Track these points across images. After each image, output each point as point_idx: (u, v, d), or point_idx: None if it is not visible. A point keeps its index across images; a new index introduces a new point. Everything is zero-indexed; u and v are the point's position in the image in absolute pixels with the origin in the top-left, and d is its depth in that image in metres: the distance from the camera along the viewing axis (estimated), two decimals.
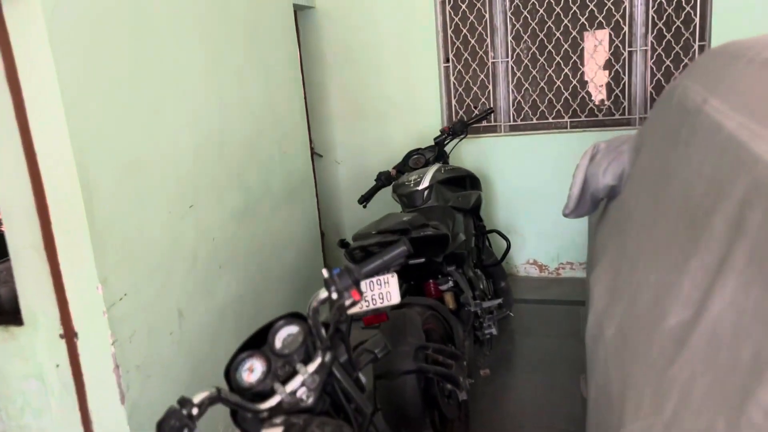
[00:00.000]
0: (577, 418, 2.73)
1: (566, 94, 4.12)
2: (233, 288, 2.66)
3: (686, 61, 3.87)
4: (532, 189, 4.27)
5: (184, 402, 1.20)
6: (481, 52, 4.21)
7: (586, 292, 1.81)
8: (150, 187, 2.12)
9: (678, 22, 3.83)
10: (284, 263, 3.19)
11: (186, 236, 2.33)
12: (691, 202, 1.18)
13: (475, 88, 4.28)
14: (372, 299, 2.19)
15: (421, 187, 2.97)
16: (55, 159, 1.80)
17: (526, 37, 4.10)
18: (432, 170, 3.07)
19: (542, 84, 4.15)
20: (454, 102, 4.34)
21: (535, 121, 4.22)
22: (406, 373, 2.13)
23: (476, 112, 4.28)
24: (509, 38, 4.13)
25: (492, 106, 4.25)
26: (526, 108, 4.22)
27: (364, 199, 3.29)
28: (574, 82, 4.09)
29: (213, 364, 2.46)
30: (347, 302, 1.40)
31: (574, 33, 4.01)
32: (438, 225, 2.62)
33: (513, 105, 4.24)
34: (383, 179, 3.30)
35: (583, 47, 4.02)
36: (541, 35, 4.07)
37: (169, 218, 2.23)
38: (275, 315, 1.58)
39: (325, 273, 1.40)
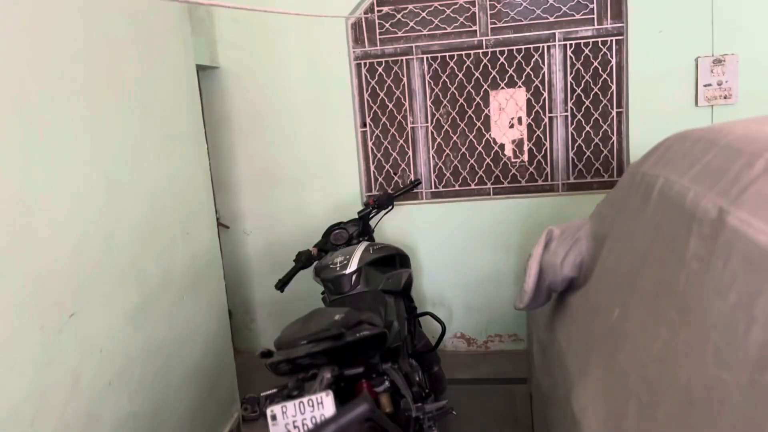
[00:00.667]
0: None
1: (488, 159, 3.97)
2: (124, 406, 2.19)
3: (605, 126, 3.83)
4: (457, 259, 4.04)
5: None
6: (399, 117, 4.00)
7: (566, 416, 1.53)
8: (13, 299, 1.67)
9: (596, 89, 3.79)
10: (189, 362, 2.73)
11: (65, 354, 1.87)
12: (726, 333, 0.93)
13: (394, 154, 4.05)
14: (303, 424, 1.82)
15: (348, 271, 2.64)
16: None
17: (445, 101, 3.94)
18: (359, 251, 2.76)
19: (463, 149, 3.98)
20: (372, 168, 4.08)
21: (457, 187, 4.03)
22: None
23: (402, 184, 4.04)
24: (428, 102, 3.95)
25: (415, 175, 4.03)
26: (448, 174, 4.02)
27: (283, 284, 2.91)
28: (495, 147, 3.95)
29: None
30: None
31: (495, 99, 3.88)
32: (372, 318, 2.30)
33: (434, 171, 4.04)
34: (303, 260, 2.95)
35: (503, 111, 3.90)
36: (461, 99, 3.92)
37: (41, 335, 1.77)
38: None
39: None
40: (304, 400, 1.83)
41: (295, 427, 1.82)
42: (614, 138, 3.84)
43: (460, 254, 4.03)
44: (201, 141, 3.07)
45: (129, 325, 2.25)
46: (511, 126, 3.91)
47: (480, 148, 3.96)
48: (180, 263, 2.72)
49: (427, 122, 3.98)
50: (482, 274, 4.04)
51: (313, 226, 4.10)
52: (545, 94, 3.84)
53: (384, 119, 4.01)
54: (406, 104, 3.97)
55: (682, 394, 1.00)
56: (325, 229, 3.21)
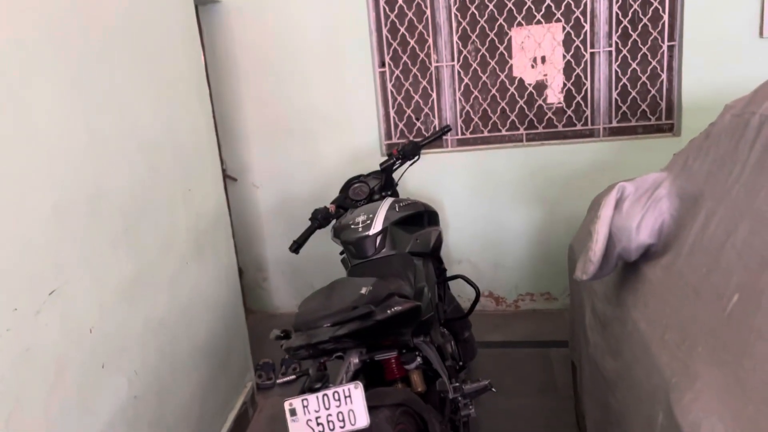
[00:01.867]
0: None
1: (521, 102, 3.58)
2: (123, 392, 1.92)
3: (654, 63, 3.41)
4: (486, 213, 3.70)
5: None
6: (422, 55, 3.60)
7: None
8: None
9: (645, 20, 3.36)
10: (196, 336, 2.46)
11: (46, 339, 1.58)
12: None
13: (416, 97, 3.67)
14: (329, 422, 1.53)
15: (372, 232, 2.32)
16: None
17: (474, 36, 3.53)
18: (384, 208, 2.43)
19: (493, 91, 3.59)
20: (392, 113, 3.71)
21: (486, 133, 3.66)
22: None
23: (425, 131, 3.68)
24: (455, 38, 3.54)
25: (440, 121, 3.65)
26: (476, 119, 3.65)
27: (298, 246, 2.58)
28: (530, 88, 3.55)
29: None
30: None
31: (528, 32, 3.47)
32: (403, 288, 1.99)
33: (461, 116, 3.66)
34: (320, 219, 2.61)
35: (539, 46, 3.48)
36: (491, 34, 3.50)
37: (14, 318, 1.47)
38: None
39: None
40: (329, 392, 1.54)
41: (318, 424, 1.53)
42: (664, 75, 3.43)
43: (489, 208, 3.69)
44: (202, 85, 2.71)
45: (123, 299, 1.95)
46: (543, 63, 3.51)
47: (512, 89, 3.57)
48: (182, 224, 2.40)
49: (453, 60, 3.58)
50: (513, 229, 3.71)
51: (327, 179, 3.78)
52: (587, 27, 3.42)
53: (405, 58, 3.61)
54: (430, 40, 3.56)
55: None
56: (343, 183, 2.87)
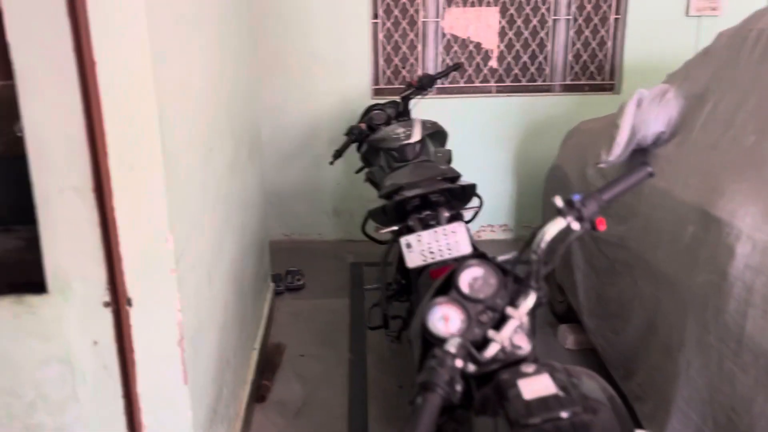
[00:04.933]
0: None
1: (493, 58, 4.18)
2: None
3: (602, 32, 4.14)
4: (457, 152, 4.27)
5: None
6: (411, 11, 4.10)
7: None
8: (189, 120, 1.73)
9: None
10: (249, 225, 2.84)
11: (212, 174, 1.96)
12: None
13: (404, 48, 4.17)
14: (439, 251, 2.03)
15: (413, 140, 2.81)
16: (118, 65, 1.36)
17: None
18: (418, 124, 2.92)
19: (471, 47, 4.16)
20: (381, 61, 4.19)
21: (462, 84, 4.23)
22: None
23: (409, 79, 4.18)
24: None
25: (424, 70, 4.16)
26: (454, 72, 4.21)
27: (338, 155, 3.03)
28: (502, 47, 4.17)
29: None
30: (584, 230, 1.24)
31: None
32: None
33: (441, 68, 4.20)
34: (356, 133, 3.07)
35: (511, 12, 4.10)
36: None
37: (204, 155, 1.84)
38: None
39: (559, 202, 1.23)
40: (438, 229, 2.04)
41: (430, 252, 2.02)
42: (609, 43, 4.16)
43: (462, 149, 4.26)
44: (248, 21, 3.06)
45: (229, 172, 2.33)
46: (512, 25, 4.13)
47: (486, 48, 4.16)
48: (245, 131, 2.77)
49: (437, 17, 4.11)
50: (480, 167, 4.31)
51: (319, 117, 4.19)
52: None
53: (396, 12, 4.10)
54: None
55: None
56: (364, 109, 3.33)
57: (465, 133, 4.24)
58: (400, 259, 3.12)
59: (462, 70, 4.19)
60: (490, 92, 4.25)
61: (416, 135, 2.83)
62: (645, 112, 2.19)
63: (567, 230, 1.25)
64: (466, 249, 2.01)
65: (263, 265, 3.18)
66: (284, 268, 3.85)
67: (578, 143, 3.01)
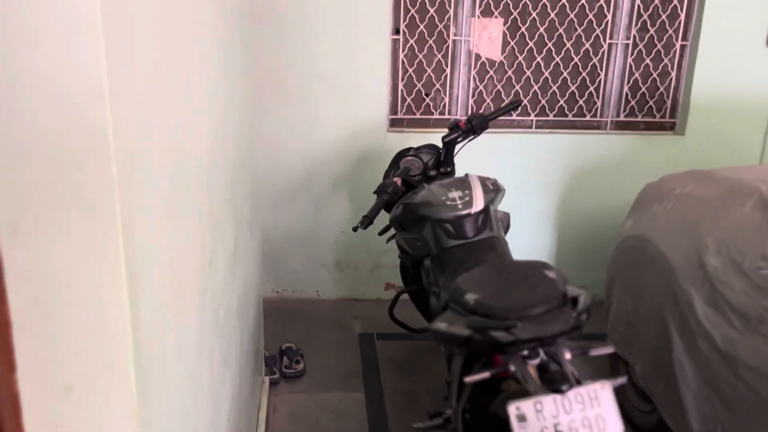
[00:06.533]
0: None
1: (535, 87, 3.47)
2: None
3: (666, 60, 3.45)
4: None
5: None
6: (440, 26, 3.35)
7: None
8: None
9: (663, 16, 3.39)
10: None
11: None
12: None
13: (429, 71, 3.42)
14: (571, 429, 1.28)
15: (474, 210, 2.06)
16: None
17: (496, 12, 3.35)
18: (478, 184, 2.18)
19: (509, 73, 3.44)
20: (401, 86, 3.43)
21: None
22: None
23: (433, 107, 3.43)
24: (477, 12, 3.34)
25: (450, 98, 3.42)
26: (488, 100, 3.48)
27: (369, 221, 2.21)
28: (546, 73, 3.45)
29: None
30: None
31: (552, 15, 3.35)
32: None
33: (473, 96, 3.47)
34: (391, 192, 2.26)
35: (560, 33, 3.39)
36: (515, 13, 3.35)
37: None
38: None
39: None
40: (570, 394, 1.28)
41: (557, 431, 1.27)
42: (673, 74, 3.48)
43: None
44: (248, 48, 2.27)
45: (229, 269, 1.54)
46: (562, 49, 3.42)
47: (528, 73, 3.44)
48: (248, 191, 1.98)
49: (471, 36, 3.38)
50: (513, 215, 3.58)
51: (322, 151, 3.42)
52: (609, 17, 3.37)
53: (422, 27, 3.35)
54: (450, 11, 3.33)
55: None
56: (394, 156, 2.57)
57: (496, 175, 3.49)
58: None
59: (497, 99, 3.46)
60: (528, 127, 3.53)
61: (479, 203, 2.09)
62: None
63: None
64: (617, 428, 1.26)
65: (258, 363, 2.39)
66: (275, 338, 3.09)
67: (680, 213, 2.29)
